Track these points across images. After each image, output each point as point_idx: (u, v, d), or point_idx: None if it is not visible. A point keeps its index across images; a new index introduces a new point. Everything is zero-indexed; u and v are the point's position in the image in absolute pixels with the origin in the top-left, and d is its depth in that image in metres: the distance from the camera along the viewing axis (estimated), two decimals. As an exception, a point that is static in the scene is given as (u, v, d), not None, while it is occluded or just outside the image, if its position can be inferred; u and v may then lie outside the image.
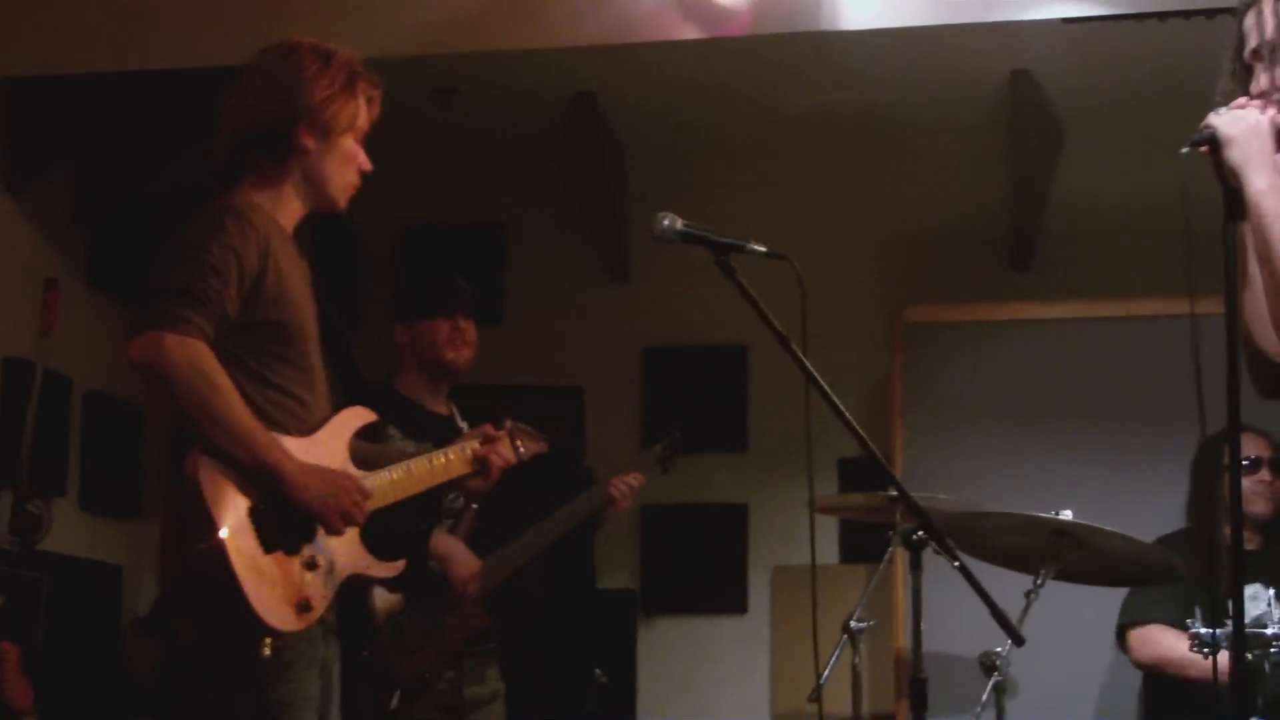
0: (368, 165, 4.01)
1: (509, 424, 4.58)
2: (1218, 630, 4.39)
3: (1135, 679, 5.95)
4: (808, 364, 3.92)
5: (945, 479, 6.32)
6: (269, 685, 3.63)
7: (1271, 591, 4.73)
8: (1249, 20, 3.43)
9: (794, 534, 7.25)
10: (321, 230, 3.98)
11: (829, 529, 7.38)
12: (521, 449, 4.61)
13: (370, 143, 4.05)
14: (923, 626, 4.51)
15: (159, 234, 3.84)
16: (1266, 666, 4.29)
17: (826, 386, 3.90)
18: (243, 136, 3.89)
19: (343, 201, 4.01)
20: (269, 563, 3.63)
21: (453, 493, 5.08)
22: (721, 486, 7.64)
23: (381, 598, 4.92)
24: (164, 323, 3.59)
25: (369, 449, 4.11)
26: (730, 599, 7.62)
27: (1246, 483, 5.73)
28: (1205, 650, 4.42)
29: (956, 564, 4.11)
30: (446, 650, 5.09)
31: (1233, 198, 3.32)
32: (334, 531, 3.77)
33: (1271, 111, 3.32)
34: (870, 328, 7.39)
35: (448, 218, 7.96)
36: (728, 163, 7.76)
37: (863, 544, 6.93)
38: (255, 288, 3.72)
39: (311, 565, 3.73)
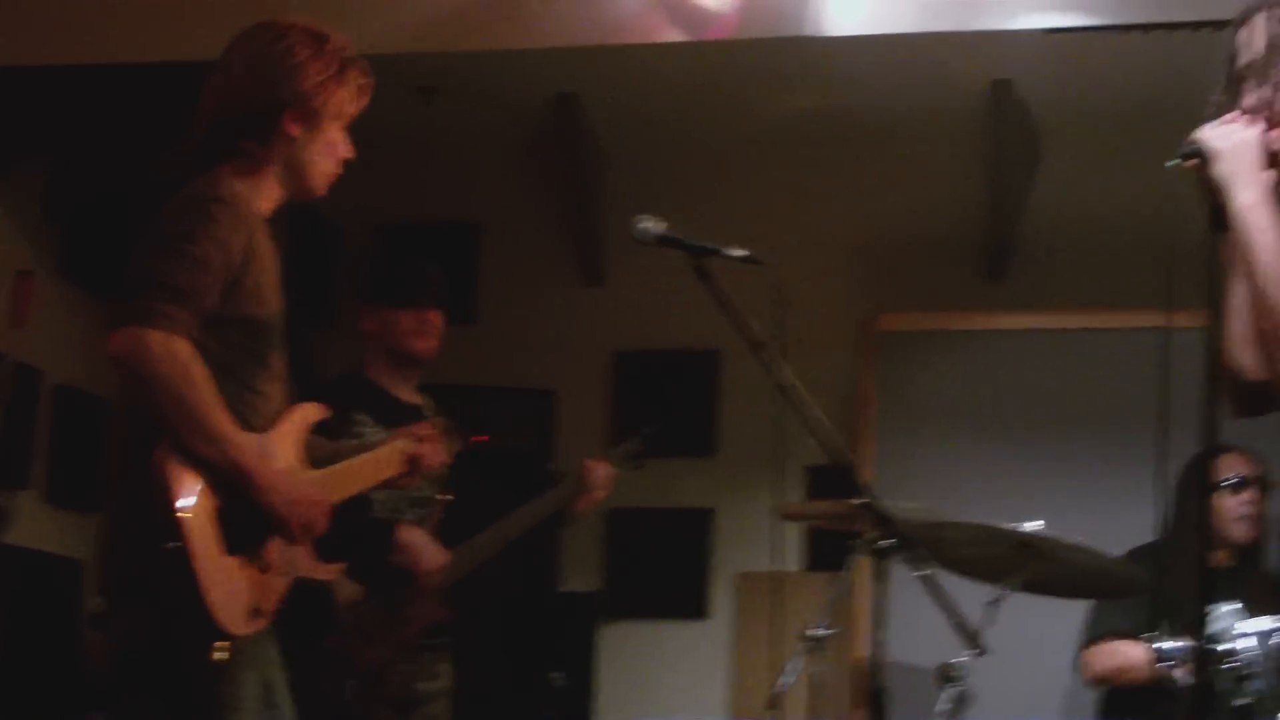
0: (350, 153, 3.97)
1: (440, 422, 4.61)
2: (1179, 644, 4.41)
3: (1096, 692, 5.97)
4: (781, 371, 3.93)
5: (914, 488, 6.34)
6: (211, 686, 3.62)
7: (1237, 607, 4.75)
8: (1242, 35, 3.44)
9: (760, 540, 7.24)
10: (300, 224, 3.96)
11: (795, 536, 7.37)
12: (451, 447, 4.65)
13: (351, 139, 4.03)
14: (884, 636, 4.51)
15: (135, 228, 3.81)
16: (1225, 682, 4.31)
17: (799, 392, 3.91)
18: (227, 118, 3.84)
19: (322, 189, 3.96)
20: (229, 565, 3.61)
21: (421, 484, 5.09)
22: (689, 491, 7.64)
23: (344, 588, 4.92)
24: (147, 318, 3.53)
25: (329, 447, 4.11)
26: (693, 604, 7.61)
27: (1233, 502, 5.75)
28: (1168, 665, 4.44)
29: (921, 574, 4.12)
30: (404, 643, 5.09)
31: (1217, 212, 3.33)
32: (294, 540, 3.75)
33: (1260, 128, 3.33)
34: (843, 335, 7.40)
35: (426, 215, 7.96)
36: (706, 167, 7.76)
37: (828, 552, 6.93)
38: (235, 282, 3.67)
39: (265, 569, 3.72)
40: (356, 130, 4.02)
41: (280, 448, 3.82)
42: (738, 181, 7.74)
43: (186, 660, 3.57)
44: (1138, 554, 5.74)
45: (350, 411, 4.99)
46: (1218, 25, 5.93)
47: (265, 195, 3.87)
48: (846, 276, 7.67)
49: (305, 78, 3.83)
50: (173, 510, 3.52)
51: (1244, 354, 3.43)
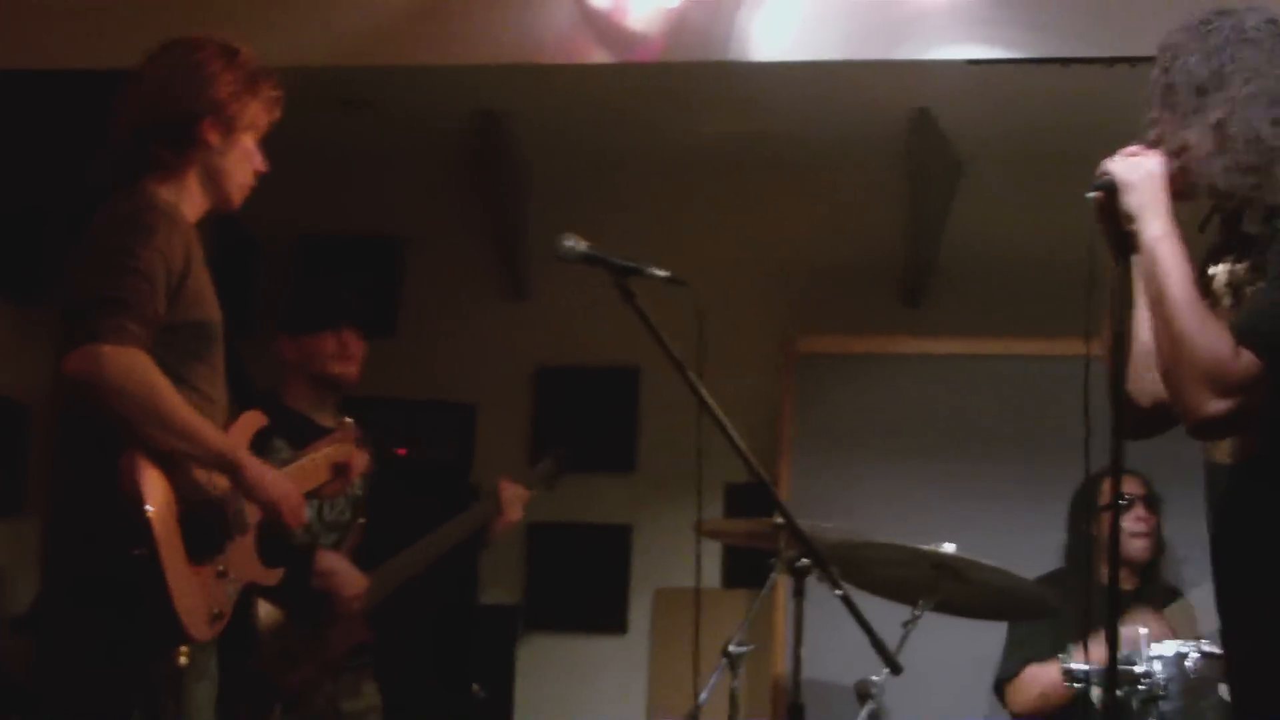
0: (264, 166, 4.05)
1: (351, 425, 4.66)
2: (1089, 667, 4.48)
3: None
4: (702, 389, 3.98)
5: (831, 508, 6.38)
6: (169, 694, 3.63)
7: (1145, 630, 4.83)
8: (1155, 71, 3.51)
9: (678, 557, 7.28)
10: (221, 235, 4.00)
11: (713, 553, 7.42)
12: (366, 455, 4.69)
13: (275, 151, 4.07)
14: (802, 653, 4.56)
15: (52, 238, 3.84)
16: (1135, 703, 4.38)
17: (719, 412, 3.96)
18: (145, 128, 3.89)
19: (238, 200, 4.03)
20: (192, 571, 3.64)
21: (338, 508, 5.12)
22: (608, 507, 7.67)
23: (265, 610, 4.91)
24: (100, 335, 3.55)
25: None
26: (612, 619, 7.65)
27: (1125, 521, 5.84)
28: (1077, 685, 4.51)
29: (839, 592, 4.18)
30: (327, 664, 5.09)
31: (1123, 241, 3.40)
32: (290, 524, 3.80)
33: (1161, 158, 3.40)
34: (763, 356, 7.44)
35: (350, 228, 7.95)
36: (630, 187, 7.79)
37: (746, 569, 6.97)
38: (178, 288, 3.73)
39: (223, 574, 3.75)
40: (281, 143, 4.08)
41: None
42: (661, 202, 7.77)
43: (143, 665, 3.59)
44: (1046, 579, 5.82)
45: (268, 438, 4.99)
46: (1133, 61, 6.06)
47: (190, 204, 3.93)
48: (767, 298, 7.71)
49: (220, 87, 3.92)
50: (140, 515, 3.54)
51: (1137, 380, 3.51)
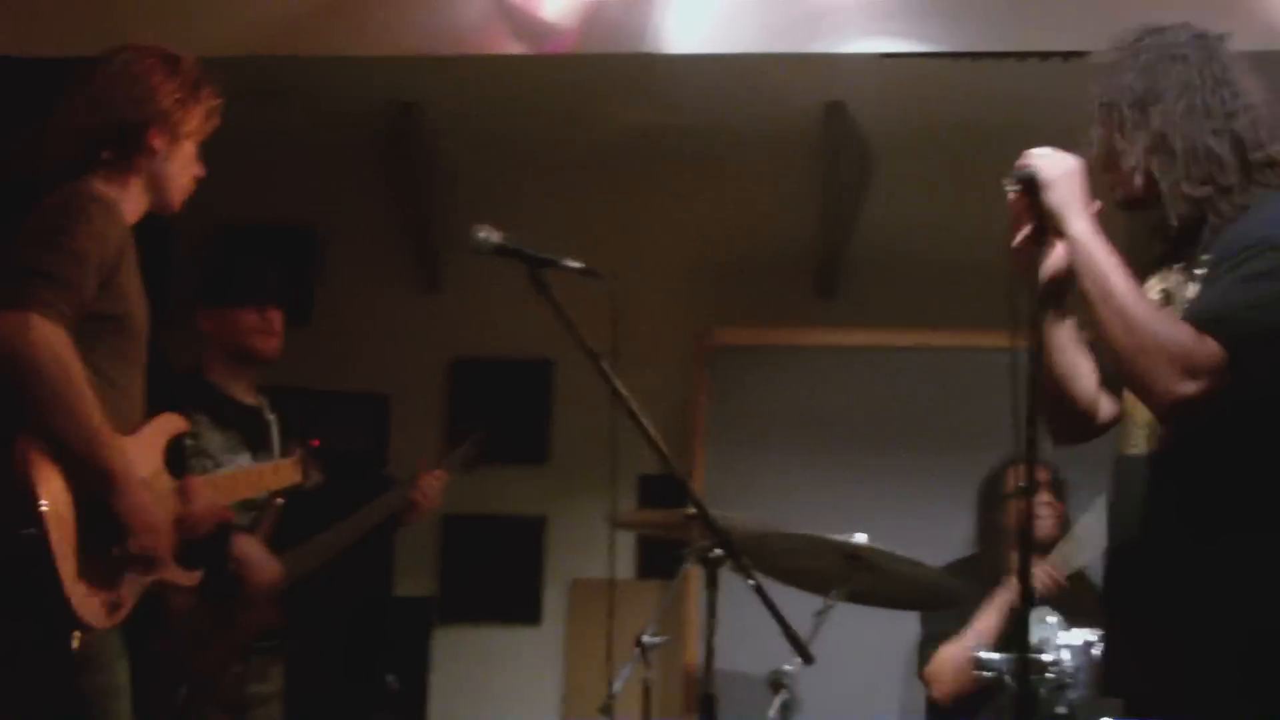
0: (202, 171, 4.16)
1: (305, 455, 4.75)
2: (998, 654, 4.52)
3: (921, 699, 6.08)
4: (616, 381, 4.00)
5: (744, 499, 6.42)
6: (81, 676, 3.63)
7: (1057, 617, 4.87)
8: (1092, 89, 3.57)
9: (592, 548, 7.27)
10: (137, 225, 4.02)
11: (627, 544, 7.44)
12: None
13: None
14: (715, 643, 4.57)
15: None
16: (1044, 691, 4.41)
17: (633, 403, 3.97)
18: (95, 132, 3.96)
19: (179, 204, 4.15)
20: (87, 556, 3.63)
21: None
22: (522, 498, 7.68)
23: (176, 593, 4.91)
24: (31, 304, 3.58)
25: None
26: (526, 609, 7.65)
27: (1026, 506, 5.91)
28: (987, 674, 4.55)
29: (751, 583, 4.20)
30: (237, 647, 5.09)
31: (1041, 236, 3.44)
32: (133, 556, 3.77)
33: (1079, 159, 3.45)
34: (678, 348, 7.47)
35: (265, 218, 7.91)
36: (546, 178, 7.79)
37: (660, 560, 7.00)
38: (109, 279, 3.76)
39: (125, 562, 3.74)
40: (196, 131, 4.12)
41: (145, 454, 3.88)
42: (576, 194, 7.78)
43: (45, 650, 3.58)
44: (955, 567, 5.87)
45: (187, 413, 4.99)
46: (1044, 55, 6.13)
47: (131, 205, 4.01)
48: (681, 290, 7.74)
49: (164, 97, 4.03)
50: (34, 498, 3.54)
51: (1078, 380, 3.55)
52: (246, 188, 7.63)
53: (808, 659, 4.54)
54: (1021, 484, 3.46)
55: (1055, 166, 3.42)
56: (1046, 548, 5.95)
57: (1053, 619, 4.86)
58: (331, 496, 5.45)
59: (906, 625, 6.04)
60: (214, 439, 5.06)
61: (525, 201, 7.51)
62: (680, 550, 5.28)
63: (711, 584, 4.52)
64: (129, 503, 3.69)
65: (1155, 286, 3.51)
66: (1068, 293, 3.51)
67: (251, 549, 5.07)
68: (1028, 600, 3.42)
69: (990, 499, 6.09)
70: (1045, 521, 5.97)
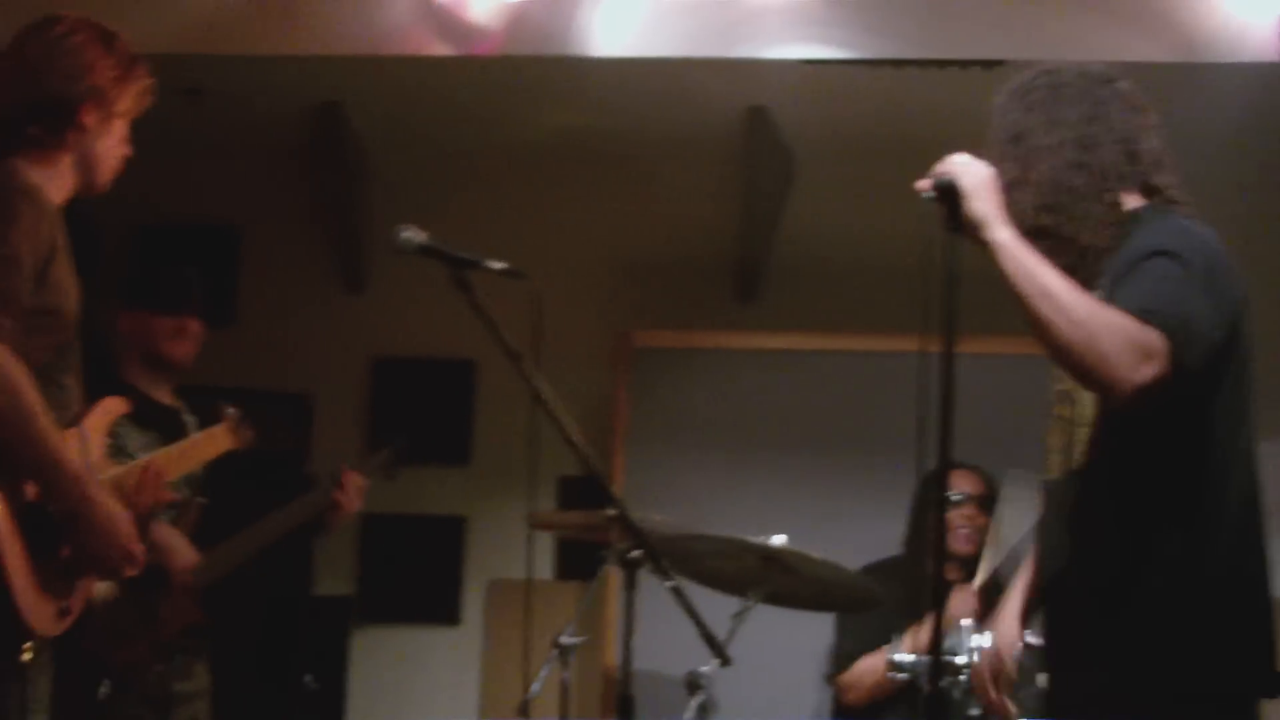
0: (130, 151, 4.05)
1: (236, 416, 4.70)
2: (913, 656, 4.56)
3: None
4: (537, 382, 4.01)
5: (664, 501, 6.43)
6: (13, 688, 3.60)
7: (971, 620, 4.92)
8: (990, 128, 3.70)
9: (512, 549, 7.28)
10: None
11: (547, 545, 7.45)
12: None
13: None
14: (633, 644, 4.60)
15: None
16: (956, 693, 4.45)
17: (554, 404, 3.99)
18: (21, 107, 3.85)
19: (107, 185, 4.02)
20: (36, 565, 3.60)
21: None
22: (442, 498, 7.68)
23: (98, 586, 4.89)
24: None
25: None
26: (445, 610, 7.65)
27: (954, 516, 5.98)
28: (900, 677, 4.59)
29: (669, 584, 4.23)
30: (158, 643, 5.07)
31: (955, 241, 3.49)
32: (115, 564, 3.75)
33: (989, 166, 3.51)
34: (599, 349, 7.48)
35: (187, 217, 7.88)
36: (470, 180, 7.79)
37: (579, 561, 7.02)
38: (42, 274, 3.68)
39: (79, 570, 3.72)
40: (119, 130, 4.07)
41: (89, 444, 3.83)
42: (500, 195, 7.79)
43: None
44: (874, 569, 5.92)
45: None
46: (964, 64, 6.19)
47: (58, 186, 3.89)
48: (603, 292, 7.76)
49: (100, 73, 3.90)
50: None
51: None
52: (169, 186, 7.60)
53: (725, 660, 4.57)
54: (940, 492, 3.51)
55: (973, 175, 3.48)
56: (964, 560, 6.01)
57: (966, 622, 4.90)
58: (252, 496, 5.44)
59: (824, 627, 6.08)
60: (134, 438, 5.04)
61: (449, 202, 7.50)
62: (600, 552, 5.30)
63: (630, 585, 4.55)
64: (100, 522, 3.66)
65: None
66: None
67: (170, 536, 5.05)
68: (940, 604, 3.46)
69: (922, 504, 6.16)
70: (959, 535, 6.03)
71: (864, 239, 7.31)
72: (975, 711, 4.41)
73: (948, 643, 4.49)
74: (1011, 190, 3.54)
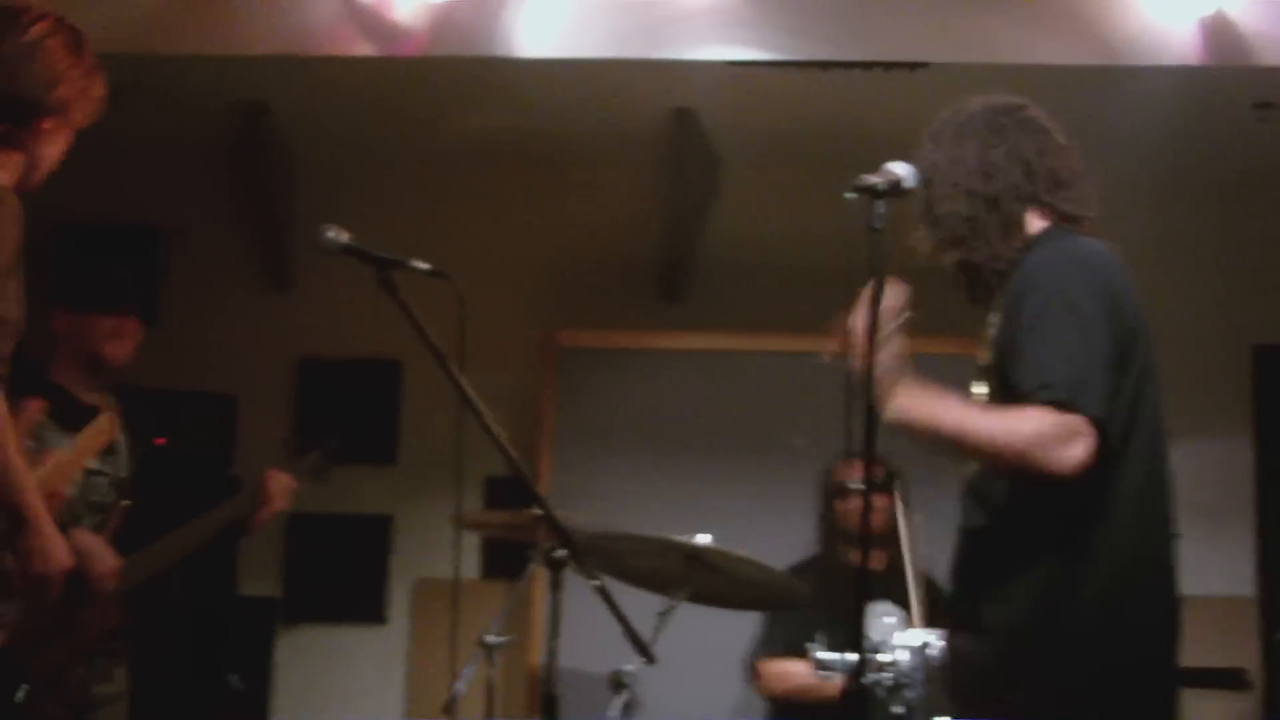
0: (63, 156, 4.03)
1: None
2: (837, 655, 4.58)
3: (759, 699, 6.16)
4: (462, 382, 4.02)
5: (590, 500, 6.46)
6: None
7: (896, 617, 4.96)
8: None
9: (438, 548, 7.30)
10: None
11: (473, 545, 7.46)
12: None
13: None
14: (558, 643, 4.60)
15: None
16: (881, 691, 4.48)
17: (479, 404, 4.00)
18: None
19: (38, 186, 3.99)
20: None
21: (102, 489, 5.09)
22: (369, 498, 7.68)
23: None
24: None
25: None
26: (371, 609, 7.66)
27: (854, 504, 6.03)
28: (825, 674, 4.61)
29: (595, 583, 4.24)
30: (79, 647, 5.04)
31: (880, 243, 3.54)
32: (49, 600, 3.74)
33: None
34: (525, 349, 7.49)
35: (111, 217, 7.85)
36: (396, 180, 7.79)
37: (505, 561, 7.03)
38: (4, 282, 3.72)
39: (14, 592, 3.71)
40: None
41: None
42: (426, 195, 7.79)
43: None
44: (799, 568, 5.95)
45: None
46: (888, 66, 6.22)
47: (6, 179, 3.87)
48: (529, 292, 7.77)
49: (70, 83, 3.88)
50: None
51: None
52: (95, 186, 7.55)
53: (650, 659, 4.58)
54: (852, 483, 3.63)
55: (890, 396, 3.59)
56: (879, 543, 6.04)
57: (891, 619, 4.94)
58: (177, 497, 5.42)
59: (749, 626, 6.11)
60: (56, 440, 5.01)
61: (375, 202, 7.51)
62: (526, 551, 5.30)
63: (556, 585, 4.56)
64: (39, 546, 3.64)
65: (992, 326, 3.71)
66: None
67: (89, 542, 5.02)
68: (862, 599, 3.51)
69: (824, 498, 6.21)
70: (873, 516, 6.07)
71: (789, 240, 7.35)
72: (899, 709, 4.43)
73: (872, 638, 4.53)
74: (928, 229, 3.73)
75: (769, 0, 6.23)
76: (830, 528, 6.17)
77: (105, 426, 4.83)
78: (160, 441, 5.34)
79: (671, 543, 5.15)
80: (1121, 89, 6.33)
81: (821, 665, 4.68)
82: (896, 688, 4.53)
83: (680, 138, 7.16)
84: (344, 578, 7.67)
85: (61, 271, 5.72)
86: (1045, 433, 3.39)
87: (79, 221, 7.76)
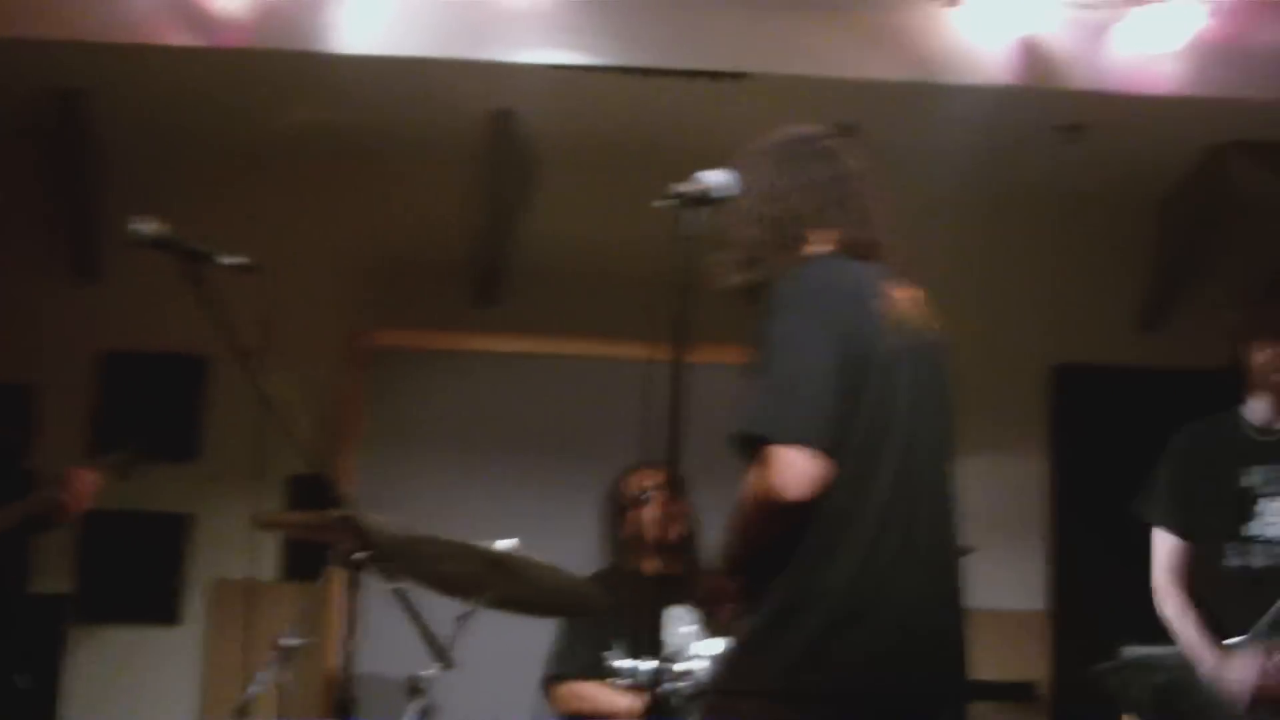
0: None
1: None
2: (635, 664, 4.59)
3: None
4: (262, 380, 3.97)
5: (398, 503, 6.41)
6: None
7: (695, 626, 4.97)
8: None
9: (237, 548, 7.22)
10: None
11: (272, 545, 7.38)
12: None
13: None
14: (356, 646, 4.57)
15: None
16: (677, 700, 4.49)
17: (279, 402, 3.96)
18: None
19: None
20: None
21: None
22: (169, 495, 7.54)
23: None
24: None
25: None
26: (165, 609, 7.55)
27: (646, 513, 6.06)
28: (622, 684, 4.62)
29: (395, 587, 4.21)
30: None
31: (689, 251, 3.56)
32: None
33: None
34: (337, 348, 7.45)
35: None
36: (211, 172, 7.70)
37: (305, 562, 6.97)
38: None
39: None
40: None
41: None
42: (242, 189, 7.70)
43: None
44: (598, 576, 5.96)
45: None
46: (713, 75, 6.26)
47: None
48: (342, 290, 7.72)
49: None
50: None
51: None
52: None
53: (448, 664, 4.56)
54: (644, 492, 3.65)
55: None
56: (674, 549, 6.06)
57: (688, 628, 4.94)
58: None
59: (548, 632, 6.09)
60: None
61: (192, 194, 7.41)
62: (326, 552, 5.26)
63: (353, 587, 4.52)
64: None
65: None
66: None
67: None
68: (657, 610, 3.53)
69: (610, 511, 6.23)
70: (654, 525, 6.10)
71: (604, 246, 7.37)
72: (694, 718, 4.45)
73: (670, 646, 4.54)
74: (720, 251, 3.78)
75: (593, 5, 6.25)
76: (619, 537, 6.19)
77: None
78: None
79: (472, 547, 5.13)
80: (939, 106, 6.41)
81: (616, 673, 4.69)
82: (694, 697, 4.54)
83: (499, 139, 7.15)
84: (139, 576, 7.55)
85: None
86: (759, 476, 3.46)
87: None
